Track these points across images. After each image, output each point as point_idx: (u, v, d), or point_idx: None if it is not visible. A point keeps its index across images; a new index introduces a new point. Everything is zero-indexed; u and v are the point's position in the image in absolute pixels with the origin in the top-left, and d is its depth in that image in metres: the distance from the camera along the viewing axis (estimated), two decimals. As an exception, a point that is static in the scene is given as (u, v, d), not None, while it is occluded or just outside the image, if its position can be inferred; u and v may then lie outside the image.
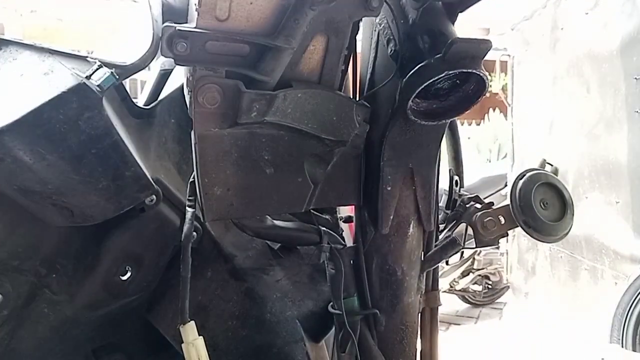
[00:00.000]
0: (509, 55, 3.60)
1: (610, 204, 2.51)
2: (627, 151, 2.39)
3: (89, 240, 0.76)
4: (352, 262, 0.76)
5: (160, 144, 0.83)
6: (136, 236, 0.78)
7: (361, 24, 0.66)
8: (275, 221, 0.74)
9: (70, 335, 0.80)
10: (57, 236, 0.74)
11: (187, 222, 0.71)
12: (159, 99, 0.85)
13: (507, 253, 4.21)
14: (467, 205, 0.81)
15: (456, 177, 0.87)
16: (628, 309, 2.86)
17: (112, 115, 0.68)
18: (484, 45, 0.59)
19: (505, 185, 3.77)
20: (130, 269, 0.79)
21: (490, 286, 4.64)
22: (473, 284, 4.57)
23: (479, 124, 8.11)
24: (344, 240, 0.78)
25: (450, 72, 0.58)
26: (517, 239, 3.56)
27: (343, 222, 0.87)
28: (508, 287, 4.40)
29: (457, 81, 0.64)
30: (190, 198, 0.70)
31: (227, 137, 0.60)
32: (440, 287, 0.87)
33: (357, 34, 0.64)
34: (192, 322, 0.69)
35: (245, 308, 0.83)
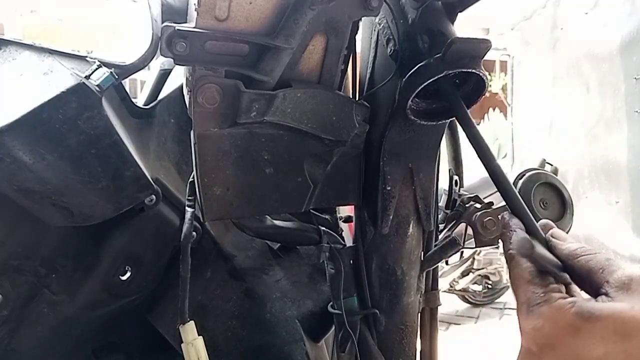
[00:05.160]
0: (508, 55, 3.60)
1: (610, 204, 2.51)
2: (627, 151, 2.39)
3: (88, 240, 0.77)
4: (351, 262, 0.76)
5: (160, 144, 0.83)
6: (136, 236, 0.78)
7: (361, 23, 0.66)
8: (275, 221, 0.74)
9: (70, 335, 0.80)
10: (57, 236, 0.74)
11: (187, 222, 0.71)
12: (159, 98, 0.85)
13: (507, 253, 4.16)
14: (467, 205, 0.81)
15: (456, 177, 0.86)
16: (628, 309, 2.85)
17: (111, 115, 0.68)
18: (483, 45, 0.59)
19: (505, 185, 3.76)
20: (129, 269, 0.79)
21: (490, 286, 4.64)
22: (473, 283, 4.57)
23: (479, 124, 8.10)
24: (343, 240, 0.78)
25: (450, 72, 0.58)
26: (517, 239, 3.55)
27: (343, 222, 0.87)
28: (508, 286, 4.40)
29: (457, 81, 0.64)
30: (189, 198, 0.69)
31: (226, 137, 0.60)
32: (440, 287, 0.87)
33: (356, 33, 0.64)
34: (192, 322, 0.69)
35: (245, 308, 0.83)
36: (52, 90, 0.62)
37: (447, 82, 0.61)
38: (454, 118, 0.68)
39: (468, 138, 0.57)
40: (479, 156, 0.56)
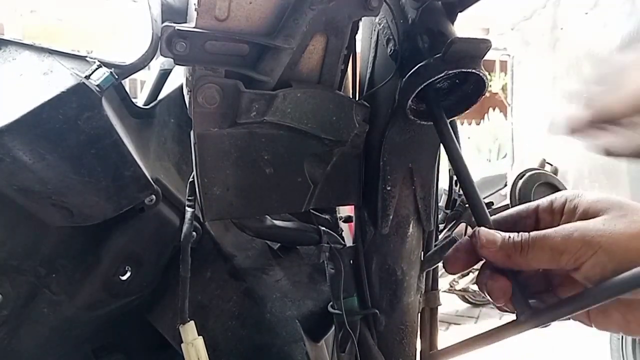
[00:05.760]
0: (508, 55, 3.60)
1: (610, 204, 2.50)
2: (627, 151, 2.39)
3: (88, 240, 0.77)
4: (351, 262, 0.76)
5: (160, 144, 0.83)
6: (136, 236, 0.78)
7: (360, 23, 0.66)
8: (275, 221, 0.74)
9: (70, 335, 0.80)
10: (57, 236, 0.74)
11: (187, 222, 0.71)
12: (159, 98, 0.85)
13: (507, 253, 4.16)
14: (467, 205, 0.81)
15: (456, 177, 0.86)
16: (628, 309, 2.85)
17: (111, 115, 0.68)
18: (483, 45, 0.59)
19: (505, 185, 3.77)
20: (129, 269, 0.79)
21: (490, 286, 4.63)
22: (473, 284, 4.57)
23: (479, 124, 8.12)
24: (343, 240, 0.78)
25: (450, 72, 0.58)
26: (517, 239, 3.56)
27: (343, 222, 0.87)
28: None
29: (457, 81, 0.64)
30: (189, 198, 0.69)
31: (226, 137, 0.60)
32: (440, 287, 0.87)
33: (356, 33, 0.64)
34: (192, 322, 0.69)
35: (245, 308, 0.83)
36: (52, 90, 0.62)
37: (432, 88, 0.61)
38: (454, 118, 0.68)
39: (445, 150, 0.57)
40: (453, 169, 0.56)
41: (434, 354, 0.60)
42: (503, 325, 0.49)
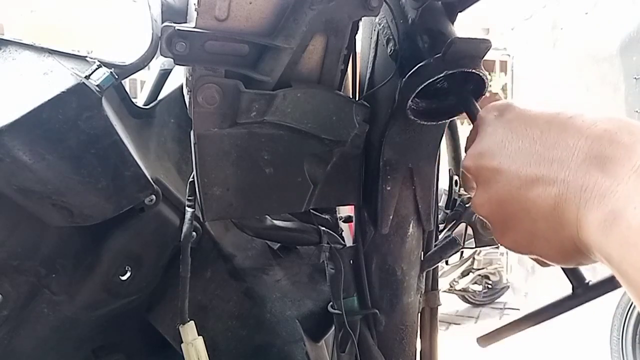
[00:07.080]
0: (508, 55, 3.61)
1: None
2: (627, 151, 2.39)
3: (88, 240, 0.77)
4: (351, 262, 0.76)
5: (160, 144, 0.83)
6: (136, 236, 0.78)
7: (360, 23, 0.65)
8: (275, 221, 0.74)
9: (70, 335, 0.80)
10: (57, 236, 0.74)
11: (187, 222, 0.71)
12: (159, 98, 0.85)
13: (507, 253, 4.21)
14: (467, 205, 0.81)
15: (456, 177, 0.86)
16: (628, 309, 2.86)
17: (111, 115, 0.68)
18: (483, 45, 0.59)
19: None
20: (129, 269, 0.79)
21: (490, 286, 4.65)
22: (473, 283, 4.58)
23: (479, 124, 8.08)
24: (343, 240, 0.78)
25: (450, 72, 0.58)
26: (517, 239, 3.57)
27: (343, 222, 0.87)
28: (508, 286, 4.41)
29: (457, 81, 0.64)
30: (189, 198, 0.70)
31: (226, 137, 0.60)
32: (440, 287, 0.87)
33: (356, 33, 0.64)
34: (192, 322, 0.69)
35: (245, 308, 0.83)
36: (52, 90, 0.62)
37: (454, 80, 0.60)
38: (454, 118, 0.68)
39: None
40: None
41: (487, 337, 0.58)
42: (560, 299, 0.48)
